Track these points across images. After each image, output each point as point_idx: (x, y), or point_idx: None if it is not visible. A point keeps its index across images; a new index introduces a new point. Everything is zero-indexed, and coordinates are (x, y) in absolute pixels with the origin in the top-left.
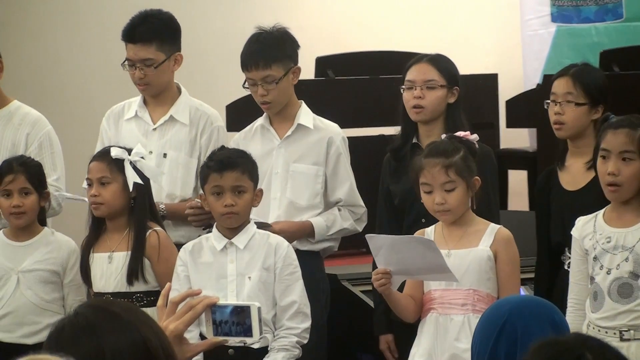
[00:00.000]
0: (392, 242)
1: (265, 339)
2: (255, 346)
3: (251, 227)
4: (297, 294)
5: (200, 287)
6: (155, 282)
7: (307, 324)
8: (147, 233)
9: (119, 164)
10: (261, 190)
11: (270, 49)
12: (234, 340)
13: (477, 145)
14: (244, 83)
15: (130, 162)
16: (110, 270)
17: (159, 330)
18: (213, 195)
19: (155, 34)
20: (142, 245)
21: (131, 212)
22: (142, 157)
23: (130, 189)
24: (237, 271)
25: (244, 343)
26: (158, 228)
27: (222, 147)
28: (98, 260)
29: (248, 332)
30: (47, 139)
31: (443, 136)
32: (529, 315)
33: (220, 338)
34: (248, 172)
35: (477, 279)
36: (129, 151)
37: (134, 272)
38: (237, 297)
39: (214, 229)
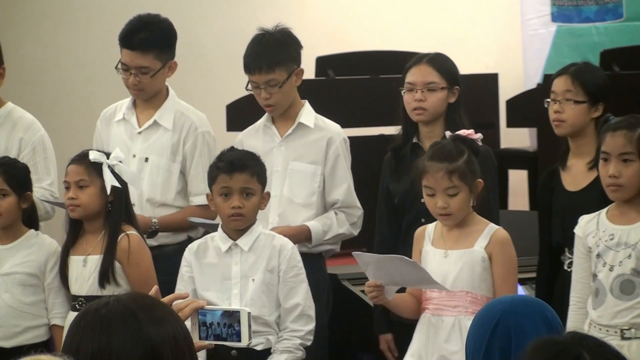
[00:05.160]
0: (377, 260)
1: (268, 341)
2: (259, 347)
3: (256, 228)
4: (301, 296)
5: (204, 289)
6: (128, 285)
7: (311, 326)
8: (120, 237)
9: (97, 167)
10: (268, 193)
11: (273, 52)
12: (222, 344)
13: (480, 144)
14: (247, 85)
15: (109, 166)
16: (84, 273)
17: (177, 331)
18: (221, 196)
19: (154, 43)
20: (113, 248)
21: (107, 216)
22: (120, 161)
23: (108, 192)
24: (241, 273)
25: (246, 346)
26: (131, 232)
27: (232, 147)
28: (74, 263)
29: (238, 336)
30: (40, 143)
31: (447, 133)
32: (521, 313)
33: (207, 342)
34: (257, 174)
35: (471, 281)
36: (108, 155)
37: (105, 275)
38: (241, 299)
39: (219, 230)
